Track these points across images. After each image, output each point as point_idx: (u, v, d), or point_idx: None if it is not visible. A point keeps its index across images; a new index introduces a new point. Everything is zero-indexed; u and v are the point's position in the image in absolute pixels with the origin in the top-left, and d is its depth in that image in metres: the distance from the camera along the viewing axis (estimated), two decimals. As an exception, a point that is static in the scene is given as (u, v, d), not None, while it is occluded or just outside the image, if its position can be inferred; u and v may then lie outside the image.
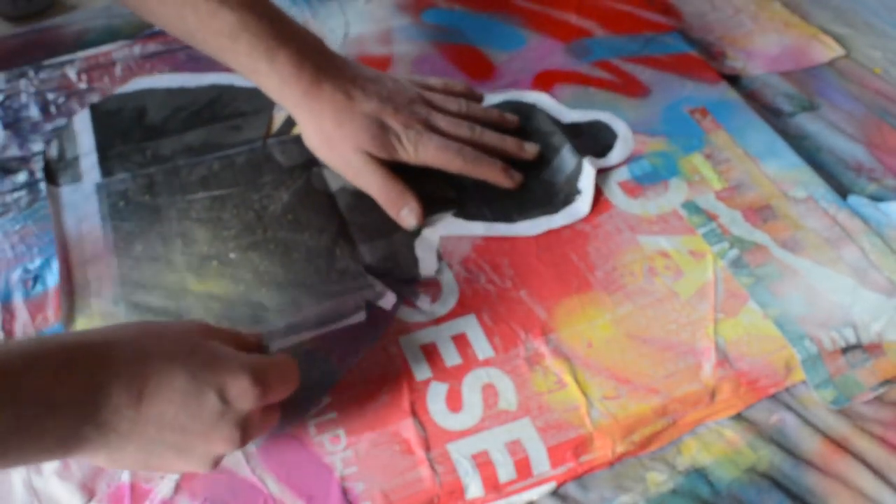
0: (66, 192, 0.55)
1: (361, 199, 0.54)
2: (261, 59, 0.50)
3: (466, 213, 0.54)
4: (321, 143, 0.53)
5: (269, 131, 0.58)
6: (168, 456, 0.37)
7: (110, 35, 0.66)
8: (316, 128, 0.52)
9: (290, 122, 0.59)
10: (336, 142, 0.52)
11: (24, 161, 0.56)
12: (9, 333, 0.47)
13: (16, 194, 0.54)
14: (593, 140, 0.58)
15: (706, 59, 0.64)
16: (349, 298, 0.49)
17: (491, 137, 0.55)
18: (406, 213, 0.52)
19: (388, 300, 0.48)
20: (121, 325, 0.39)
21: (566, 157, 0.55)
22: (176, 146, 0.57)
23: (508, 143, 0.55)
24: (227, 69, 0.52)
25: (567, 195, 0.54)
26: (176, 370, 0.36)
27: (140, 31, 0.66)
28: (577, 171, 0.55)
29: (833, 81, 0.63)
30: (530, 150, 0.56)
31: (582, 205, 0.54)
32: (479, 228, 0.53)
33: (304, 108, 0.52)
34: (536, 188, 0.55)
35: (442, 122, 0.54)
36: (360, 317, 0.47)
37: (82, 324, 0.48)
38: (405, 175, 0.54)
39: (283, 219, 0.53)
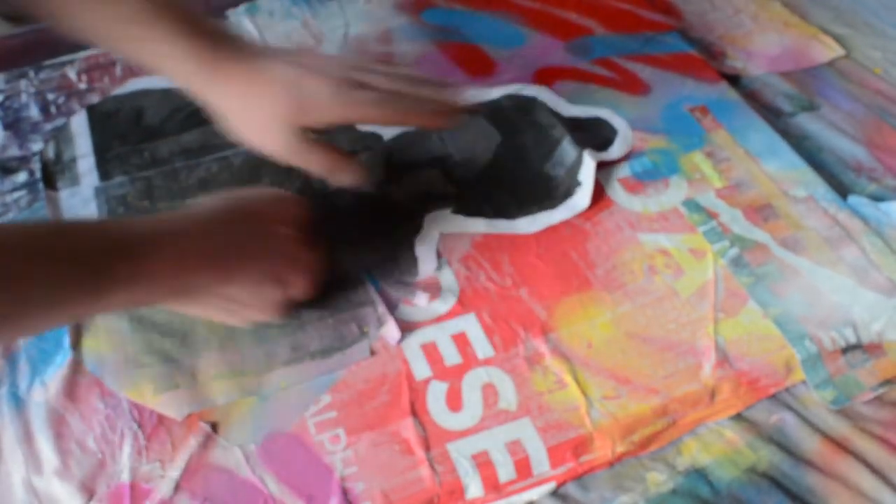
0: (65, 196, 0.54)
1: (360, 200, 0.54)
2: (176, 44, 0.46)
3: (466, 210, 0.53)
4: (245, 123, 0.48)
5: None
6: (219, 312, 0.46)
7: (110, 35, 0.66)
8: (238, 109, 0.48)
9: None
10: (262, 120, 0.48)
11: (24, 161, 0.56)
12: (9, 333, 0.47)
13: (16, 194, 0.54)
14: (593, 135, 0.58)
15: (706, 58, 0.64)
16: (350, 317, 0.48)
17: (427, 90, 0.50)
18: (349, 177, 0.50)
19: (392, 333, 0.47)
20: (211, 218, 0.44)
21: (566, 149, 0.55)
22: (173, 147, 0.57)
23: (445, 94, 0.51)
24: None
25: (568, 188, 0.54)
26: (251, 268, 0.44)
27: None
28: (578, 163, 0.55)
29: (833, 81, 0.63)
30: (459, 100, 0.51)
31: (582, 197, 0.53)
32: (479, 225, 0.53)
33: (221, 92, 0.48)
34: (537, 182, 0.55)
35: (373, 79, 0.48)
36: (364, 352, 0.47)
37: (90, 343, 0.47)
38: (400, 179, 0.54)
39: None
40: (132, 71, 0.62)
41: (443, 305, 0.49)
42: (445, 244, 0.52)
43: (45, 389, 0.45)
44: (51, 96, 0.61)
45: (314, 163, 0.49)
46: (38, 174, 0.55)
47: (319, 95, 0.47)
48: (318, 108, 0.47)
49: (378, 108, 0.48)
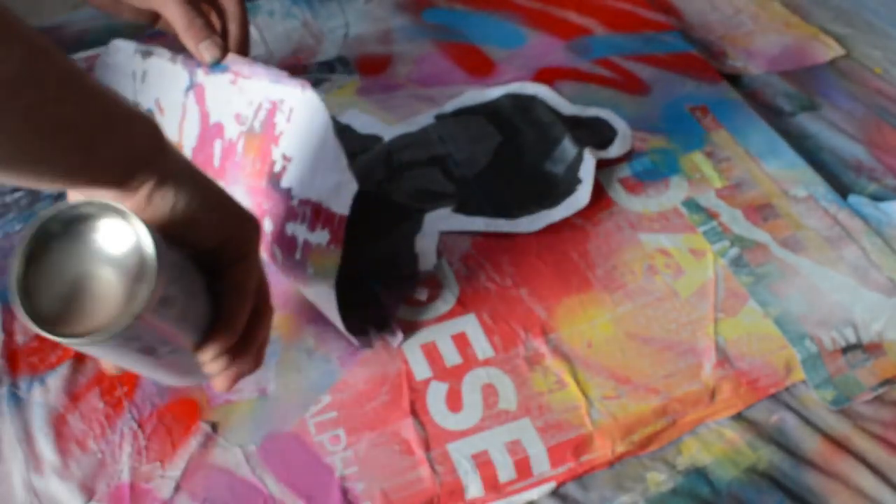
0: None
1: (360, 200, 0.54)
2: None
3: (466, 209, 0.53)
4: None
5: None
6: None
7: (110, 35, 0.65)
8: None
9: None
10: None
11: (24, 161, 0.56)
12: (9, 334, 0.47)
13: (16, 195, 0.54)
14: (593, 134, 0.58)
15: (707, 58, 0.64)
16: (350, 316, 0.48)
17: None
18: (206, 46, 0.49)
19: (395, 337, 0.47)
20: None
21: (566, 146, 0.55)
22: None
23: None
24: None
25: (568, 185, 0.54)
26: None
27: (140, 31, 0.65)
28: (578, 160, 0.55)
29: (833, 81, 0.63)
30: None
31: (582, 194, 0.53)
32: (479, 224, 0.53)
33: None
34: (537, 180, 0.55)
35: None
36: (364, 351, 0.47)
37: None
38: (400, 179, 0.54)
39: None
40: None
41: (443, 305, 0.49)
42: (445, 244, 0.52)
43: (45, 389, 0.45)
44: (51, 96, 0.60)
45: (176, 14, 0.48)
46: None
47: None
48: None
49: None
